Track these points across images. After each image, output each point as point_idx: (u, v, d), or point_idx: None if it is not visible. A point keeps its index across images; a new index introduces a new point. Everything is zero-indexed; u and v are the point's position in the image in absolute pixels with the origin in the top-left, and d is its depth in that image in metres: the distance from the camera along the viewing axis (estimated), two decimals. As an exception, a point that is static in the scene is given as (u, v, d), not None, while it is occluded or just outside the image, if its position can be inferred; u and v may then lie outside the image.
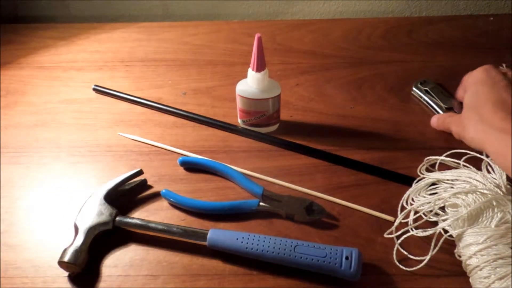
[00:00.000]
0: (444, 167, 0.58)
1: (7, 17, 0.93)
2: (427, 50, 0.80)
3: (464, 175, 0.53)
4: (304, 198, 0.54)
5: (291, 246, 0.47)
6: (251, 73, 0.58)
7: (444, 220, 0.49)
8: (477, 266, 0.44)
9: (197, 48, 0.82)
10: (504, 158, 0.45)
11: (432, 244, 0.48)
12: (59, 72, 0.77)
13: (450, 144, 0.61)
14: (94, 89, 0.72)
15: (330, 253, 0.46)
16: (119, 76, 0.76)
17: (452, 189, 0.52)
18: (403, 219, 0.52)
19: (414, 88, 0.69)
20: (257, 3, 0.93)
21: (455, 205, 0.50)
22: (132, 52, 0.81)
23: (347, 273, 0.45)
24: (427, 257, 0.48)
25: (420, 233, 0.50)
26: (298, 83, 0.73)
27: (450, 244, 0.49)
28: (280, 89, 0.61)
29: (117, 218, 0.51)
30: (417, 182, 0.55)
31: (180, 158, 0.60)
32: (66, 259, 0.47)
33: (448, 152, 0.58)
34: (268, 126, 0.64)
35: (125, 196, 0.56)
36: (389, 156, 0.61)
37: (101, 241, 0.50)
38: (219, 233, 0.49)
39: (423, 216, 0.51)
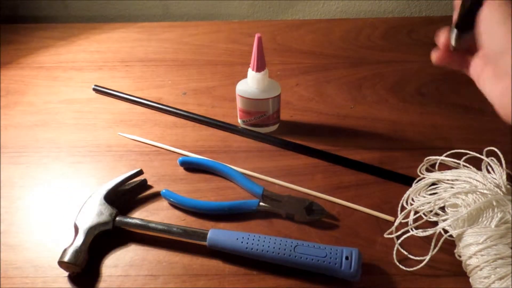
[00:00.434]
0: (444, 167, 0.58)
1: (7, 17, 0.93)
2: (427, 50, 0.79)
3: (464, 175, 0.53)
4: (304, 198, 0.54)
5: (291, 246, 0.47)
6: (251, 73, 0.58)
7: (444, 220, 0.49)
8: (477, 266, 0.44)
9: (197, 48, 0.82)
10: None
11: (432, 244, 0.48)
12: (59, 72, 0.77)
13: (450, 144, 0.61)
14: (94, 89, 0.72)
15: (330, 253, 0.46)
16: (119, 76, 0.76)
17: (452, 189, 0.51)
18: (403, 219, 0.52)
19: None
20: (257, 3, 0.93)
21: (455, 205, 0.50)
22: (132, 52, 0.81)
23: (347, 273, 0.45)
24: (427, 257, 0.48)
25: (420, 233, 0.50)
26: (298, 83, 0.73)
27: (450, 244, 0.49)
28: (280, 89, 0.61)
29: (117, 218, 0.51)
30: (417, 182, 0.55)
31: (180, 158, 0.60)
32: (66, 259, 0.47)
33: (448, 152, 0.58)
34: (268, 126, 0.64)
35: (125, 196, 0.56)
36: (389, 156, 0.61)
37: (101, 241, 0.50)
38: (219, 233, 0.49)
39: (423, 216, 0.51)
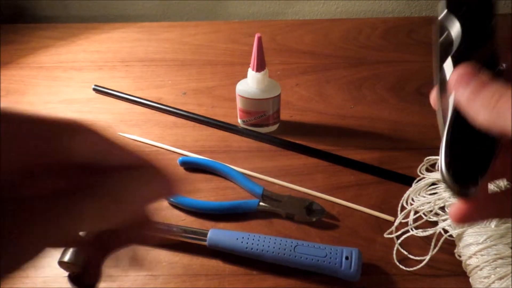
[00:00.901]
0: (444, 167, 0.57)
1: (7, 17, 0.93)
2: (427, 50, 0.79)
3: (464, 175, 0.53)
4: (304, 198, 0.54)
5: (291, 246, 0.47)
6: (251, 73, 0.58)
7: (444, 220, 0.49)
8: (477, 266, 0.44)
9: (197, 48, 0.82)
10: None
11: (432, 244, 0.48)
12: (59, 72, 0.77)
13: (450, 144, 0.61)
14: (94, 89, 0.72)
15: (330, 253, 0.46)
16: (119, 76, 0.76)
17: (452, 189, 0.51)
18: (403, 219, 0.52)
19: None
20: (257, 3, 0.93)
21: (455, 205, 0.50)
22: (132, 52, 0.81)
23: (347, 273, 0.45)
24: (427, 257, 0.48)
25: (420, 233, 0.50)
26: (298, 83, 0.73)
27: (450, 244, 0.49)
28: (280, 89, 0.61)
29: (117, 218, 0.51)
30: (417, 182, 0.55)
31: (180, 158, 0.60)
32: (66, 259, 0.47)
33: (448, 152, 0.58)
34: (268, 126, 0.64)
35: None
36: (389, 156, 0.61)
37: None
38: (219, 233, 0.49)
39: (423, 216, 0.51)
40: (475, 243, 0.45)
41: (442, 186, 0.54)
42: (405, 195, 0.55)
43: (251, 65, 0.58)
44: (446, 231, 0.49)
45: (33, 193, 0.18)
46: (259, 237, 0.48)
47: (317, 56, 0.79)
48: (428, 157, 0.58)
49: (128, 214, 0.21)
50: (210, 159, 0.60)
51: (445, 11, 0.28)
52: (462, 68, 0.24)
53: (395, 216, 0.53)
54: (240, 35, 0.84)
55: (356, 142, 0.63)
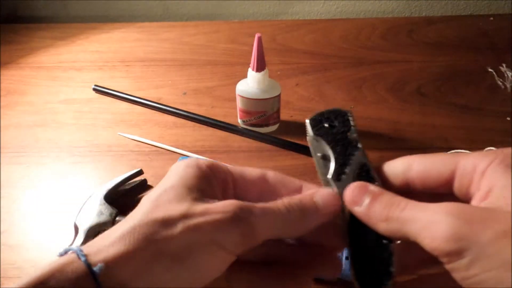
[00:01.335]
0: (444, 167, 0.57)
1: (7, 17, 0.93)
2: (427, 50, 0.80)
3: (464, 175, 0.53)
4: (304, 198, 0.54)
5: (291, 246, 0.47)
6: (251, 73, 0.58)
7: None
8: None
9: (197, 48, 0.82)
10: None
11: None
12: (59, 72, 0.77)
13: (450, 144, 0.61)
14: (94, 89, 0.72)
15: (330, 253, 0.46)
16: (119, 76, 0.76)
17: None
18: (403, 219, 0.52)
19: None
20: (257, 3, 0.93)
21: (455, 205, 0.50)
22: (132, 52, 0.81)
23: (347, 273, 0.45)
24: (427, 257, 0.48)
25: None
26: (298, 83, 0.73)
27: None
28: (280, 89, 0.61)
29: (117, 218, 0.51)
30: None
31: (180, 158, 0.60)
32: (66, 259, 0.47)
33: (448, 152, 0.58)
34: (268, 126, 0.64)
35: (125, 196, 0.56)
36: (389, 156, 0.60)
37: (101, 241, 0.50)
38: (219, 233, 0.49)
39: (423, 216, 0.51)
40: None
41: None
42: (405, 195, 0.55)
43: (251, 65, 0.58)
44: (446, 231, 0.49)
45: None
46: (259, 237, 0.48)
47: (317, 56, 0.79)
48: (428, 157, 0.58)
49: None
50: (210, 159, 0.60)
51: (311, 133, 0.32)
52: (352, 187, 0.26)
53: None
54: (240, 35, 0.84)
55: (356, 142, 0.63)
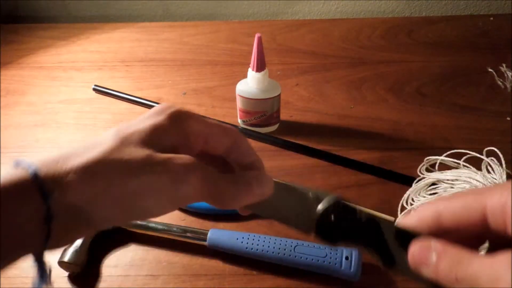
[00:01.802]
0: (444, 167, 0.58)
1: (7, 17, 0.93)
2: (427, 50, 0.80)
3: (464, 175, 0.53)
4: (304, 198, 0.54)
5: (291, 246, 0.47)
6: (251, 73, 0.58)
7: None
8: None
9: (197, 48, 0.82)
10: None
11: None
12: (59, 72, 0.77)
13: (450, 144, 0.61)
14: (94, 89, 0.72)
15: (330, 253, 0.46)
16: (119, 76, 0.76)
17: (452, 189, 0.52)
18: (403, 219, 0.52)
19: None
20: (257, 3, 0.93)
21: (455, 205, 0.50)
22: (132, 52, 0.81)
23: (347, 273, 0.45)
24: (427, 257, 0.48)
25: (420, 233, 0.50)
26: (298, 83, 0.73)
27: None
28: (280, 89, 0.61)
29: (117, 218, 0.51)
30: (417, 182, 0.55)
31: (180, 158, 0.60)
32: (66, 259, 0.47)
33: (448, 152, 0.58)
34: (268, 126, 0.64)
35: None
36: (389, 156, 0.61)
37: (101, 241, 0.50)
38: (219, 233, 0.49)
39: (423, 216, 0.51)
40: (475, 243, 0.45)
41: (442, 186, 0.54)
42: (405, 195, 0.55)
43: (251, 65, 0.58)
44: (446, 231, 0.49)
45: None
46: (259, 237, 0.48)
47: (317, 56, 0.79)
48: (428, 157, 0.58)
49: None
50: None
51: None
52: (416, 250, 0.25)
53: (395, 216, 0.53)
54: (240, 35, 0.84)
55: (356, 142, 0.63)
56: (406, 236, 0.25)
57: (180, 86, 0.74)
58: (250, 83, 0.59)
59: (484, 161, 0.55)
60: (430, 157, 0.58)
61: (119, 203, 0.24)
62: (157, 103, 0.69)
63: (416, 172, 0.58)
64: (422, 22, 0.86)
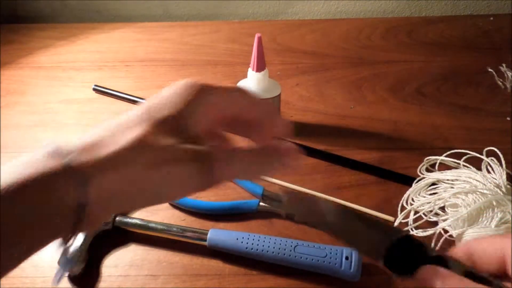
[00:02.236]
0: (444, 167, 0.58)
1: (7, 17, 0.93)
2: (427, 50, 0.80)
3: (464, 175, 0.53)
4: (304, 198, 0.54)
5: (291, 246, 0.47)
6: (251, 73, 0.58)
7: (444, 220, 0.49)
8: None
9: (197, 48, 0.82)
10: None
11: (432, 244, 0.48)
12: (59, 72, 0.77)
13: (450, 144, 0.61)
14: (94, 89, 0.72)
15: (330, 253, 0.46)
16: (119, 76, 0.76)
17: (452, 189, 0.52)
18: (403, 219, 0.52)
19: None
20: (257, 3, 0.93)
21: (455, 205, 0.50)
22: (132, 52, 0.81)
23: (347, 273, 0.45)
24: (427, 257, 0.48)
25: (420, 233, 0.50)
26: (298, 83, 0.73)
27: (450, 244, 0.49)
28: (280, 89, 0.61)
29: (117, 218, 0.51)
30: (417, 182, 0.55)
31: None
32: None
33: (448, 152, 0.58)
34: (268, 126, 0.64)
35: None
36: (389, 156, 0.61)
37: (101, 241, 0.50)
38: (219, 233, 0.49)
39: (423, 216, 0.51)
40: (475, 243, 0.45)
41: (442, 186, 0.54)
42: (405, 195, 0.55)
43: (251, 65, 0.58)
44: (446, 231, 0.49)
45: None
46: (259, 237, 0.48)
47: (317, 56, 0.79)
48: (428, 157, 0.58)
49: None
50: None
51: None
52: (425, 270, 0.28)
53: (395, 216, 0.53)
54: (240, 35, 0.84)
55: (356, 142, 0.63)
56: (475, 276, 0.27)
57: (180, 86, 0.74)
58: (250, 83, 0.59)
59: (484, 161, 0.55)
60: (430, 157, 0.58)
61: (148, 191, 0.25)
62: (157, 103, 0.69)
63: (416, 172, 0.58)
64: (422, 22, 0.86)
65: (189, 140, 0.26)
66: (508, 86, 0.71)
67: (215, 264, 0.49)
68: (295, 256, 0.47)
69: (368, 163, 0.59)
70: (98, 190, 0.23)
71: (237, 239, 0.48)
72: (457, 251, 0.29)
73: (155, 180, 0.25)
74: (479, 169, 0.54)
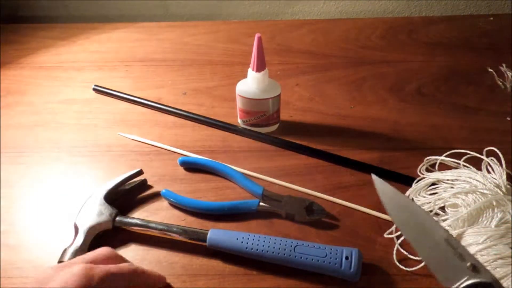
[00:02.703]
0: (444, 167, 0.58)
1: (7, 17, 0.93)
2: (427, 50, 0.80)
3: (464, 175, 0.53)
4: (304, 198, 0.54)
5: (291, 246, 0.47)
6: (251, 73, 0.58)
7: (444, 220, 0.49)
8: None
9: (197, 48, 0.82)
10: None
11: (432, 244, 0.48)
12: (59, 72, 0.77)
13: (450, 144, 0.61)
14: (94, 89, 0.72)
15: (330, 253, 0.46)
16: (119, 76, 0.76)
17: (452, 189, 0.52)
18: (403, 219, 0.52)
19: None
20: (257, 3, 0.93)
21: (455, 205, 0.50)
22: (132, 52, 0.81)
23: (347, 273, 0.45)
24: (427, 257, 0.48)
25: (420, 233, 0.50)
26: (298, 83, 0.73)
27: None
28: (280, 89, 0.61)
29: (117, 218, 0.51)
30: (417, 182, 0.55)
31: (180, 158, 0.60)
32: (66, 259, 0.47)
33: (448, 152, 0.58)
34: (268, 126, 0.64)
35: (125, 196, 0.56)
36: (389, 156, 0.61)
37: (101, 241, 0.50)
38: (219, 233, 0.49)
39: (423, 216, 0.51)
40: (475, 243, 0.45)
41: (442, 186, 0.54)
42: (405, 195, 0.55)
43: (251, 65, 0.58)
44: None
45: None
46: (259, 237, 0.48)
47: (317, 56, 0.79)
48: (428, 157, 0.58)
49: None
50: (210, 159, 0.60)
51: None
52: None
53: (395, 216, 0.53)
54: (240, 35, 0.84)
55: (356, 142, 0.63)
56: None
57: (180, 86, 0.74)
58: (250, 83, 0.59)
59: (484, 161, 0.55)
60: (430, 157, 0.58)
61: None
62: (157, 103, 0.69)
63: (416, 172, 0.58)
64: (422, 22, 0.86)
65: None
66: (508, 86, 0.71)
67: (215, 264, 0.49)
68: (295, 256, 0.47)
69: (368, 163, 0.59)
70: None
71: (237, 239, 0.48)
72: None
73: None
74: (479, 169, 0.54)
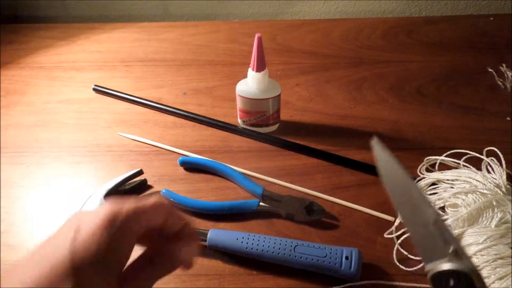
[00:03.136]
0: (444, 167, 0.58)
1: (7, 17, 0.93)
2: (427, 50, 0.80)
3: (464, 175, 0.53)
4: (304, 198, 0.54)
5: (291, 246, 0.47)
6: (251, 73, 0.58)
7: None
8: (477, 266, 0.44)
9: (197, 48, 0.82)
10: None
11: (432, 244, 0.48)
12: (59, 72, 0.77)
13: (450, 144, 0.61)
14: (94, 89, 0.72)
15: (330, 253, 0.46)
16: (119, 76, 0.76)
17: (452, 189, 0.52)
18: (403, 219, 0.52)
19: None
20: (257, 3, 0.93)
21: (455, 205, 0.50)
22: (132, 52, 0.81)
23: (347, 273, 0.45)
24: (427, 257, 0.48)
25: (420, 233, 0.50)
26: (298, 83, 0.73)
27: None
28: (280, 89, 0.61)
29: (117, 218, 0.51)
30: (417, 182, 0.55)
31: (180, 158, 0.60)
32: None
33: (448, 152, 0.58)
34: (268, 126, 0.64)
35: (125, 196, 0.56)
36: (389, 156, 0.60)
37: (101, 241, 0.50)
38: (219, 233, 0.49)
39: (423, 216, 0.51)
40: (475, 243, 0.45)
41: (442, 186, 0.54)
42: (405, 195, 0.55)
43: (251, 65, 0.58)
44: (446, 231, 0.49)
45: None
46: (259, 237, 0.48)
47: (317, 56, 0.79)
48: (428, 157, 0.58)
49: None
50: (210, 159, 0.60)
51: None
52: None
53: (395, 216, 0.53)
54: (240, 35, 0.84)
55: (356, 142, 0.63)
56: None
57: (180, 86, 0.74)
58: (250, 83, 0.59)
59: (484, 161, 0.55)
60: (430, 157, 0.58)
61: None
62: (157, 103, 0.69)
63: (416, 172, 0.58)
64: (422, 22, 0.86)
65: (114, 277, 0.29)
66: (508, 86, 0.71)
67: (215, 264, 0.49)
68: (295, 256, 0.47)
69: (368, 163, 0.59)
70: None
71: (237, 239, 0.48)
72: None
73: None
74: (479, 169, 0.54)
